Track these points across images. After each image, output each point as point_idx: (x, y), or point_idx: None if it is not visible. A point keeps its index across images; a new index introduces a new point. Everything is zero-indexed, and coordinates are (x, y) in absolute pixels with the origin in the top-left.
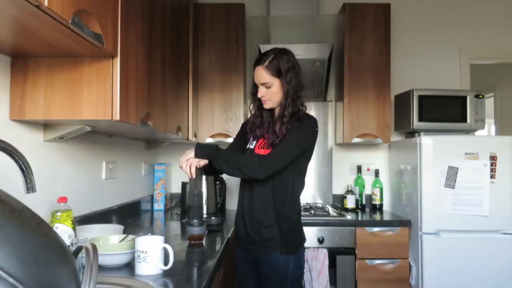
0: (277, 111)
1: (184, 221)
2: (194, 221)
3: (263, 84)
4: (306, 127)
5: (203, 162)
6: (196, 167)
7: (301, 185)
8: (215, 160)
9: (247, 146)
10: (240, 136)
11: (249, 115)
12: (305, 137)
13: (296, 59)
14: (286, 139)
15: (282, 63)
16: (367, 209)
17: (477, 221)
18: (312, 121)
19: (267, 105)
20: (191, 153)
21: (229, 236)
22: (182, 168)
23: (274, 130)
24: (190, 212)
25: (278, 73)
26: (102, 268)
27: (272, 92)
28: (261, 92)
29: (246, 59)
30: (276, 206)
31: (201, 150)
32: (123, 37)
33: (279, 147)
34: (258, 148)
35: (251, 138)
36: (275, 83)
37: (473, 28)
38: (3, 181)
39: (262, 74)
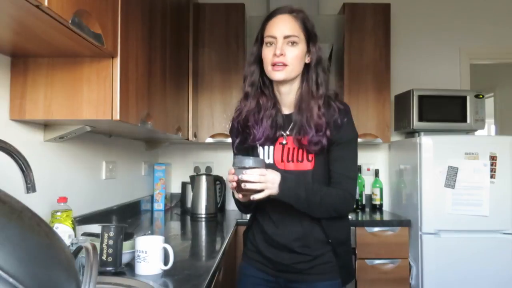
0: (293, 90)
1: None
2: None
3: (288, 37)
4: (352, 120)
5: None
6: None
7: None
8: (302, 205)
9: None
10: (240, 151)
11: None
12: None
13: None
14: (348, 148)
15: (310, 23)
16: (367, 209)
17: (477, 221)
18: (349, 108)
19: (280, 74)
20: (270, 185)
21: (229, 236)
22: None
23: (308, 121)
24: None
25: (308, 33)
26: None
27: (296, 55)
28: (281, 48)
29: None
30: (325, 225)
31: (288, 191)
32: (123, 37)
33: (347, 161)
34: (285, 160)
35: (258, 144)
36: (302, 44)
37: (473, 28)
38: (3, 181)
39: (291, 23)
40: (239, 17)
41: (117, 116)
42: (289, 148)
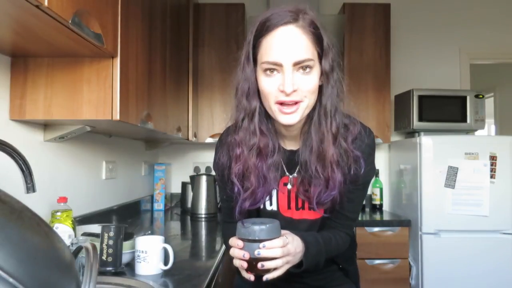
0: (302, 121)
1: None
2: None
3: (298, 63)
4: (374, 153)
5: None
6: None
7: None
8: (309, 265)
9: (262, 207)
10: (229, 188)
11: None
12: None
13: None
14: (363, 190)
15: (324, 32)
16: (367, 209)
17: (477, 221)
18: (373, 136)
19: (293, 118)
20: (290, 255)
21: None
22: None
23: (315, 171)
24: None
25: (321, 49)
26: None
27: (313, 86)
28: (292, 82)
29: None
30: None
31: (312, 259)
32: (123, 37)
33: (356, 203)
34: (293, 207)
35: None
36: (317, 66)
37: (473, 28)
38: (3, 181)
39: (300, 40)
40: (239, 17)
41: (117, 116)
42: (296, 192)
